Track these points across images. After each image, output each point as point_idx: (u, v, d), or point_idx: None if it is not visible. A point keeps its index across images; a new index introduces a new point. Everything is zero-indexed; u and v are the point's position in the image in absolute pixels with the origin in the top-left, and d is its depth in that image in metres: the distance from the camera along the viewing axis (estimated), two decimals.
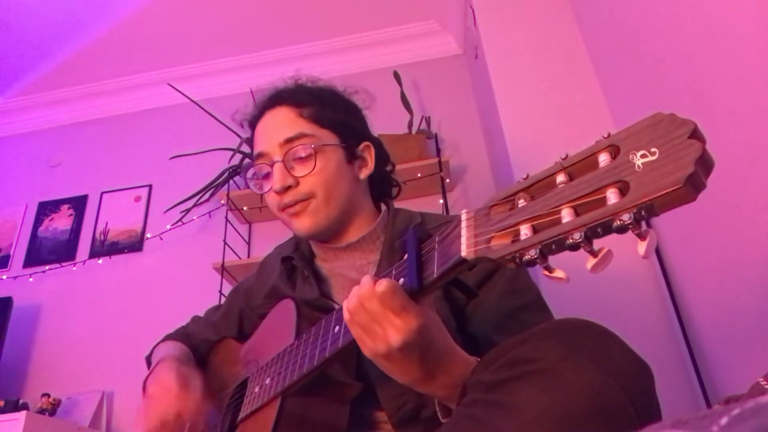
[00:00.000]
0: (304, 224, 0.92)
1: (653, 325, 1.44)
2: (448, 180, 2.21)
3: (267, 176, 0.95)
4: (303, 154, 0.91)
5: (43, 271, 2.42)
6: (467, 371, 0.63)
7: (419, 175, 2.12)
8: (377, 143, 1.03)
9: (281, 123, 0.94)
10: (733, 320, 1.15)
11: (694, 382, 1.34)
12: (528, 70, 1.85)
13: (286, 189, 0.91)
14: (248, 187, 2.26)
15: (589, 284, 1.48)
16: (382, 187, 1.06)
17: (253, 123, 1.01)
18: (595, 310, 1.30)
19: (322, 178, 0.91)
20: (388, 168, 1.08)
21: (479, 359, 0.66)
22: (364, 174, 0.99)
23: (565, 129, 1.69)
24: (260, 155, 0.94)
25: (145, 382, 0.96)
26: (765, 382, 0.58)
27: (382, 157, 1.04)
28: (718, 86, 1.07)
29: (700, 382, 1.31)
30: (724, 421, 0.30)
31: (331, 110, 0.97)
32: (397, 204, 1.06)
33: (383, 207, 1.03)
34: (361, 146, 0.99)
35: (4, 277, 2.43)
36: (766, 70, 0.93)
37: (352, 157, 0.97)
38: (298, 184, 0.91)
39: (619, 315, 1.45)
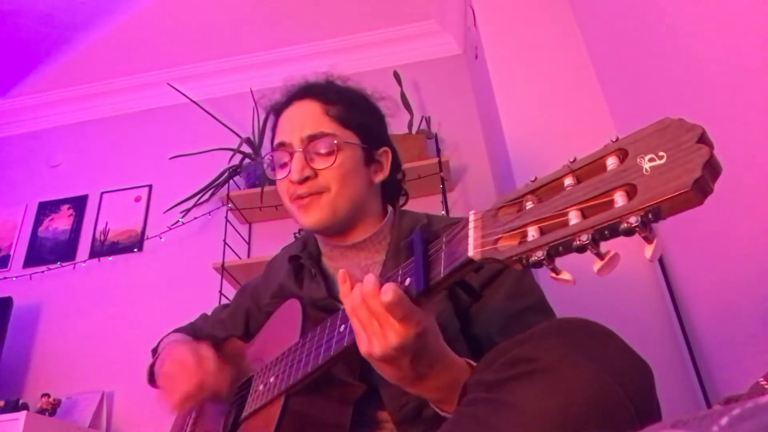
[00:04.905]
0: (311, 217, 0.93)
1: (653, 325, 1.44)
2: (448, 180, 2.21)
3: (284, 165, 0.96)
4: (324, 150, 0.93)
5: (43, 271, 2.42)
6: (458, 375, 0.64)
7: (419, 175, 2.12)
8: (394, 150, 1.04)
9: (307, 117, 0.95)
10: (733, 320, 1.15)
11: (694, 382, 1.34)
12: (528, 70, 1.85)
13: (304, 180, 0.92)
14: (248, 187, 2.28)
15: (589, 284, 1.48)
16: (391, 193, 1.07)
17: (279, 110, 1.01)
18: (595, 309, 1.29)
19: (340, 174, 0.92)
20: (399, 176, 1.09)
21: (470, 362, 0.67)
22: (379, 178, 1.00)
23: (565, 129, 1.69)
24: (281, 144, 0.96)
25: (152, 367, 0.96)
26: (765, 382, 0.58)
27: (395, 165, 1.05)
28: (719, 86, 1.07)
29: (700, 382, 1.31)
30: (724, 421, 0.30)
31: (357, 112, 0.98)
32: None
33: (389, 208, 1.04)
34: (380, 151, 1.01)
35: (4, 277, 2.44)
36: (766, 69, 0.93)
37: (370, 159, 0.98)
38: (316, 176, 0.92)
39: (620, 315, 1.44)
